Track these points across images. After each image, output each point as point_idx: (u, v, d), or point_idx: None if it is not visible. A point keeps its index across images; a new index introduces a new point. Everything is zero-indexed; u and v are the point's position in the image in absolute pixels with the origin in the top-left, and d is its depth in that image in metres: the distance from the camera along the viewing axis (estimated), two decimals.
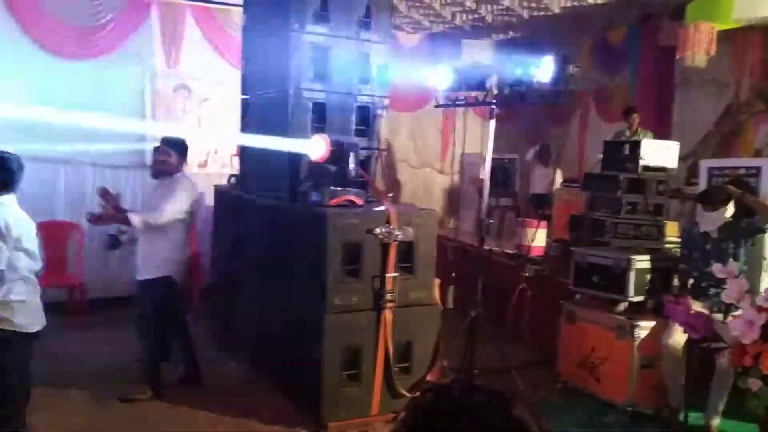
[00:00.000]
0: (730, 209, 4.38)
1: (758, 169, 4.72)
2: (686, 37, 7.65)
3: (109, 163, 6.67)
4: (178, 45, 6.96)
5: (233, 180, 5.80)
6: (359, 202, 4.36)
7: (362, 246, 4.12)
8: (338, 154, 4.24)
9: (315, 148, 4.26)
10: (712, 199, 4.39)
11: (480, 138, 11.01)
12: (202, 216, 6.60)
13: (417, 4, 9.67)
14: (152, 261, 4.55)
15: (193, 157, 7.17)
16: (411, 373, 4.36)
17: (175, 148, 4.66)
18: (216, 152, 7.24)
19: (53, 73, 6.43)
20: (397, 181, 11.77)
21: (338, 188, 4.31)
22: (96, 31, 6.61)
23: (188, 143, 4.78)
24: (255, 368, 5.04)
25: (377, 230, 4.12)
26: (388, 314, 4.19)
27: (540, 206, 7.37)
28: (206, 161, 7.20)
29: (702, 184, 5.11)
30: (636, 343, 4.42)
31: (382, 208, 4.28)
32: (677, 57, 7.93)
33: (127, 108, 6.73)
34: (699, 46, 7.49)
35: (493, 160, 9.00)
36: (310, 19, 4.59)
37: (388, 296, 4.18)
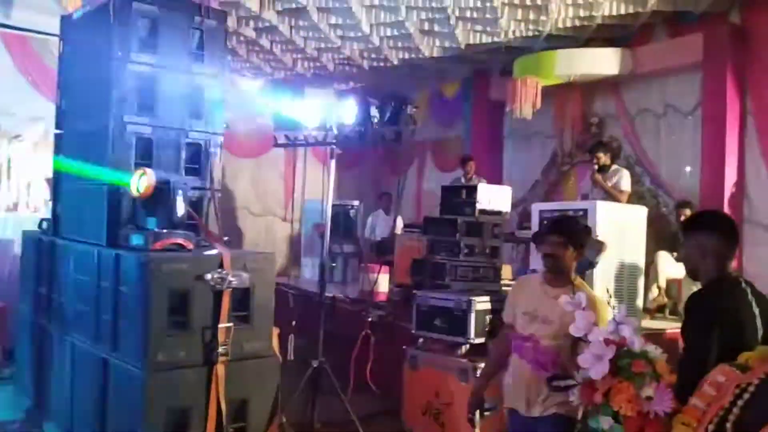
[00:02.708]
0: None
1: (585, 211, 4.96)
2: (514, 90, 8.14)
3: None
4: None
5: (45, 225, 5.15)
6: (188, 245, 3.98)
7: (191, 294, 3.73)
8: (164, 193, 3.86)
9: (137, 182, 3.86)
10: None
11: (322, 184, 10.95)
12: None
13: (257, 48, 9.50)
14: None
15: (2, 200, 6.43)
16: None
17: None
18: (28, 195, 6.48)
19: None
20: (238, 228, 11.33)
21: (164, 230, 3.91)
22: None
23: None
24: None
25: (208, 276, 3.76)
26: (220, 369, 3.80)
27: (382, 252, 7.32)
28: (16, 205, 6.42)
29: (534, 226, 5.29)
30: None
31: (215, 251, 3.93)
32: (507, 110, 8.39)
33: None
34: (526, 99, 7.99)
35: (336, 206, 9.01)
36: (135, 46, 4.22)
37: (221, 349, 3.79)
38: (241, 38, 8.95)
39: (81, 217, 4.54)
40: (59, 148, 4.98)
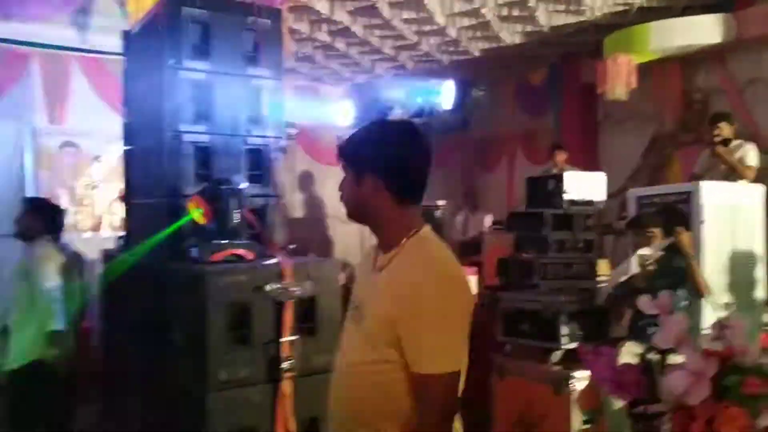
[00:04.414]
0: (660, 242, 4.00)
1: (688, 194, 4.38)
2: (605, 70, 7.51)
3: None
4: (63, 99, 6.35)
5: (121, 242, 5.15)
6: (249, 256, 3.77)
7: (251, 307, 3.51)
8: (219, 202, 3.67)
9: (195, 215, 3.70)
10: (644, 222, 4.03)
11: None
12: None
13: (333, 53, 9.34)
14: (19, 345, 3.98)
15: (85, 220, 6.56)
16: None
17: (40, 211, 4.30)
18: (110, 214, 6.57)
19: None
20: (328, 237, 11.25)
21: (223, 241, 3.73)
22: None
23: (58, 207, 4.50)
24: None
25: (269, 287, 3.54)
26: (286, 386, 3.56)
27: (469, 253, 6.93)
28: (99, 225, 6.52)
29: (631, 215, 4.75)
30: (573, 396, 3.92)
31: (274, 261, 3.70)
32: (599, 91, 7.78)
33: (4, 170, 6.05)
34: (619, 78, 7.35)
35: (421, 207, 8.70)
36: (188, 53, 4.08)
37: (286, 364, 3.56)
38: (317, 43, 8.82)
39: (148, 233, 4.45)
40: (128, 164, 4.95)
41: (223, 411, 3.41)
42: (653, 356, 1.51)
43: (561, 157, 7.51)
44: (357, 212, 1.91)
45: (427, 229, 1.87)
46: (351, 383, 1.84)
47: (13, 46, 6.19)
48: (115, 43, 5.18)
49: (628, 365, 1.48)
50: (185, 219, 3.75)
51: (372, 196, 1.83)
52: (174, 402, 3.82)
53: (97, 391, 5.51)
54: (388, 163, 1.82)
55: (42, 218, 4.20)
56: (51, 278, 4.03)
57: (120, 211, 6.47)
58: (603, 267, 5.12)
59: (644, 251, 3.93)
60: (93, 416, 5.38)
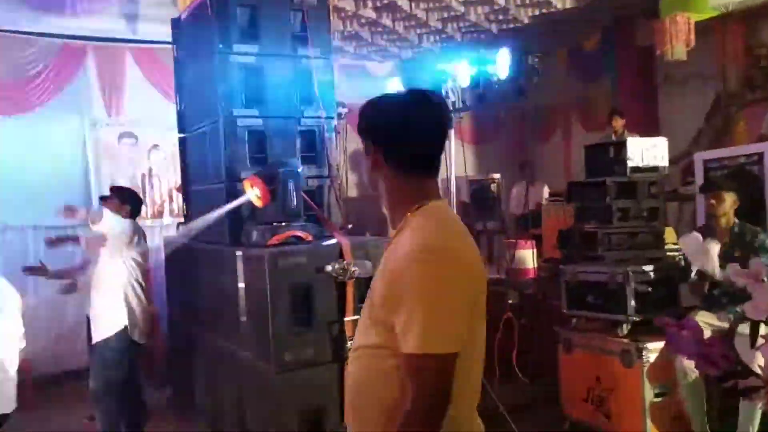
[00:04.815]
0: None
1: (760, 155, 4.15)
2: (663, 30, 7.21)
3: (51, 224, 6.10)
4: (119, 91, 6.47)
5: (181, 229, 5.23)
6: (307, 237, 3.77)
7: (313, 287, 3.51)
8: (276, 185, 3.67)
9: (251, 195, 3.71)
10: (715, 185, 3.86)
11: (463, 161, 10.55)
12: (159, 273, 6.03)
13: (380, 29, 9.24)
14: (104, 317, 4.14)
15: (145, 208, 6.69)
16: None
17: (127, 198, 4.45)
18: (171, 201, 6.69)
19: None
20: (383, 216, 11.21)
21: (282, 224, 3.73)
22: (27, 83, 6.13)
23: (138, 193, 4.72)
24: None
25: (329, 267, 3.53)
26: None
27: (528, 225, 6.80)
28: (160, 212, 6.65)
29: (699, 179, 4.54)
30: (645, 368, 3.80)
31: (333, 241, 3.69)
32: (657, 53, 7.49)
33: (68, 162, 6.21)
34: (677, 38, 7.05)
35: (476, 181, 8.57)
36: (236, 37, 4.08)
37: (351, 343, 3.55)
38: (363, 20, 8.73)
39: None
40: (183, 151, 5.01)
41: (290, 392, 3.44)
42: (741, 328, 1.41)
43: (619, 123, 7.28)
44: (371, 185, 1.81)
45: (434, 203, 1.71)
46: (354, 367, 1.71)
47: (69, 41, 6.33)
48: (165, 32, 5.22)
49: (714, 338, 1.39)
50: (245, 198, 3.76)
51: (375, 167, 1.73)
52: (241, 384, 3.88)
53: (166, 374, 5.66)
54: (386, 133, 1.70)
55: (129, 205, 4.35)
56: (136, 257, 4.23)
57: (179, 198, 6.59)
58: (670, 235, 4.94)
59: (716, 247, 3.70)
60: (163, 399, 5.53)
